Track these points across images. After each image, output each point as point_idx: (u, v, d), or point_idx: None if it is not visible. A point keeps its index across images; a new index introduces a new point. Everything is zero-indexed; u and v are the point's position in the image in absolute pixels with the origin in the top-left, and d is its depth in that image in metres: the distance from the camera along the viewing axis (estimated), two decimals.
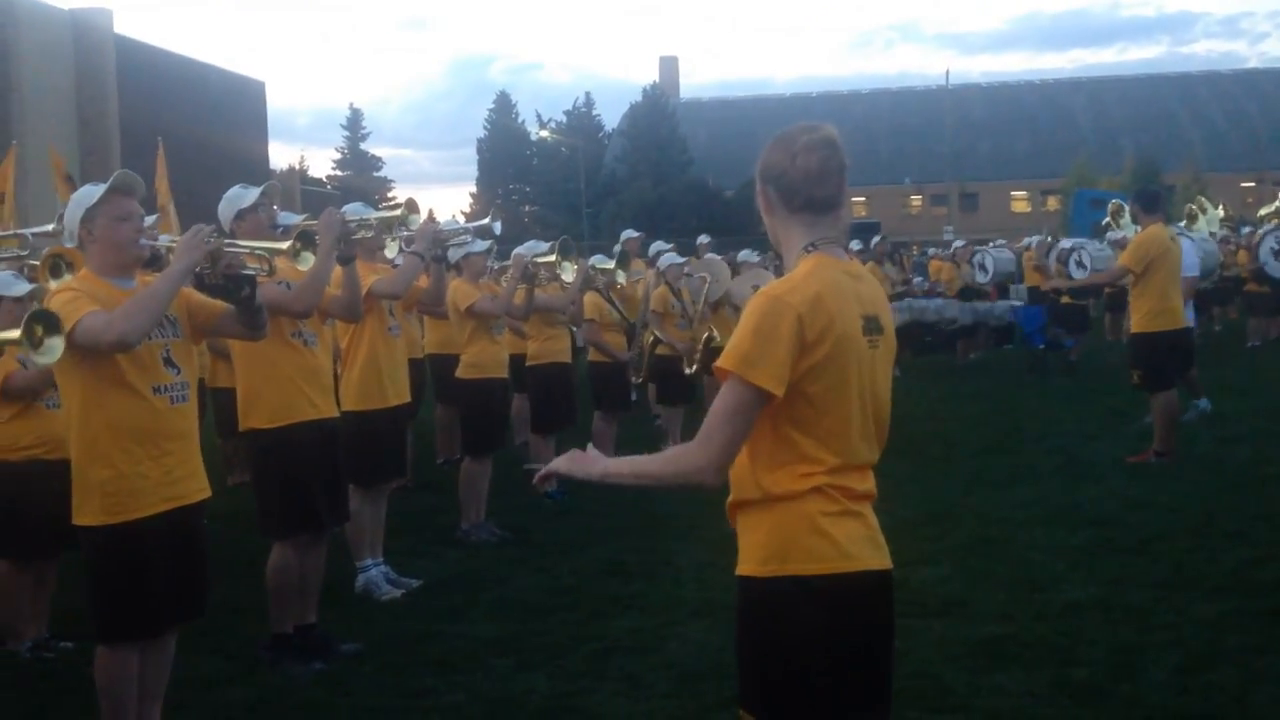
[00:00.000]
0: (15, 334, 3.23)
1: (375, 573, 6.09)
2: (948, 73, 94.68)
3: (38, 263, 5.68)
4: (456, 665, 4.96)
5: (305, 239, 4.38)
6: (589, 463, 2.54)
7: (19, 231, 4.68)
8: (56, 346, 3.29)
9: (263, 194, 4.92)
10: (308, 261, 4.39)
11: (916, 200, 64.08)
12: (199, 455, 4.00)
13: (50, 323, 3.29)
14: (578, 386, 9.06)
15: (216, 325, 4.12)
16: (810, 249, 2.50)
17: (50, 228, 4.57)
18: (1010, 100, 70.57)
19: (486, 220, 7.33)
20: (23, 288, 5.11)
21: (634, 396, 11.08)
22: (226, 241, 4.04)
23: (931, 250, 23.29)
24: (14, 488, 5.04)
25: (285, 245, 4.35)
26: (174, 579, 3.83)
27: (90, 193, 3.85)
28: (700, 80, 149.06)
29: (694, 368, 10.03)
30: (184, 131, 33.82)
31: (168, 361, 3.85)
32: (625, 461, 2.54)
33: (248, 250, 4.14)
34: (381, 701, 4.58)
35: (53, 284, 5.20)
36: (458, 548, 7.05)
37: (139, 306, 3.67)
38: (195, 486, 3.93)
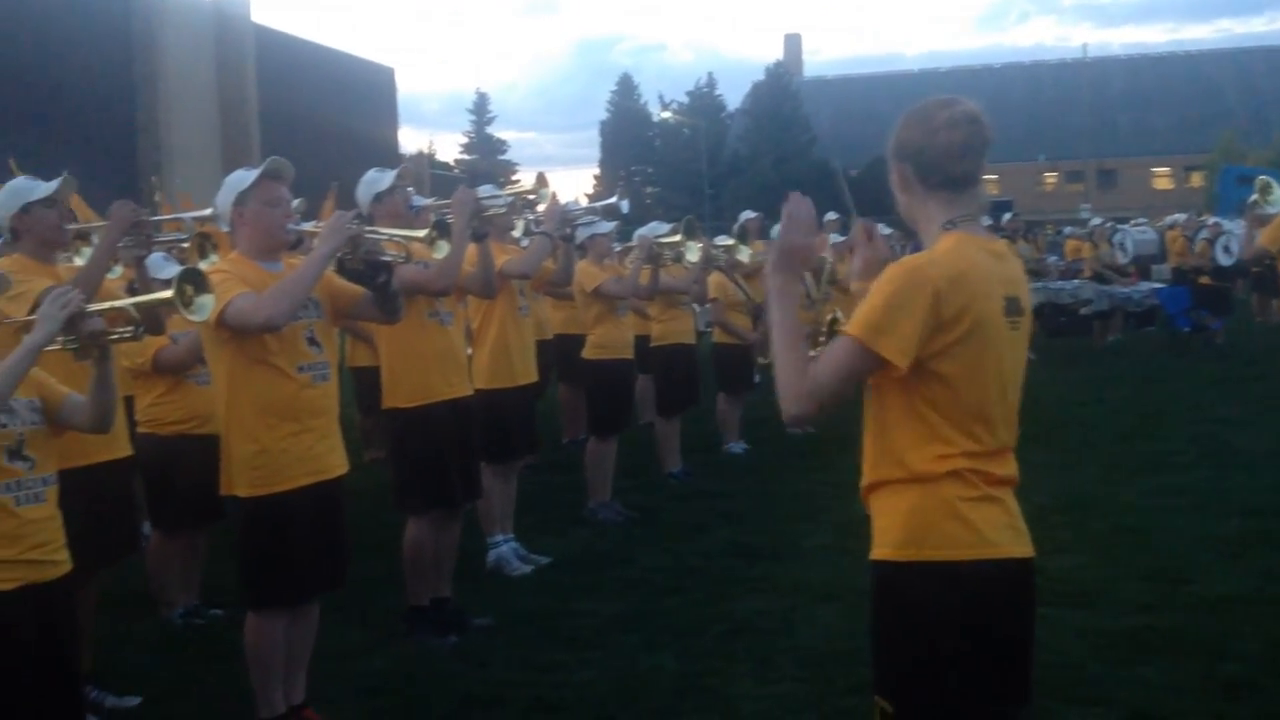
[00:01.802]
0: (168, 294, 3.36)
1: (506, 549, 6.20)
2: (1085, 45, 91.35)
3: (186, 246, 5.91)
4: (586, 642, 5.02)
5: (441, 228, 4.46)
6: (787, 273, 2.45)
7: (179, 215, 4.87)
8: (207, 304, 3.39)
9: (398, 176, 5.04)
10: (443, 250, 4.47)
11: (1051, 178, 62.06)
12: (339, 431, 4.12)
13: (199, 281, 3.40)
14: (701, 367, 9.05)
15: (355, 309, 4.22)
16: (950, 226, 2.43)
17: (207, 211, 4.75)
18: (1152, 73, 67.73)
19: (613, 199, 7.38)
20: (173, 269, 5.31)
21: (758, 378, 11.02)
22: (367, 229, 4.14)
23: (1067, 229, 22.52)
24: (164, 461, 5.26)
25: (422, 234, 4.43)
26: (317, 549, 3.96)
27: (243, 177, 3.98)
28: (827, 57, 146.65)
29: (818, 350, 9.90)
30: (317, 118, 34.88)
31: (311, 341, 3.97)
32: (790, 316, 2.43)
33: (386, 237, 4.23)
34: (514, 675, 4.66)
35: (201, 264, 5.40)
36: (584, 526, 7.13)
37: (285, 290, 3.79)
38: (336, 461, 4.05)
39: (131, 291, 4.62)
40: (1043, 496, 6.73)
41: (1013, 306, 2.43)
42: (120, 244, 4.47)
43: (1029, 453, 2.58)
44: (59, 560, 3.20)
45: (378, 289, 4.08)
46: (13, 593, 3.05)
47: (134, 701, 4.47)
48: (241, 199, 3.95)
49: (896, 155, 2.48)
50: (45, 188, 4.27)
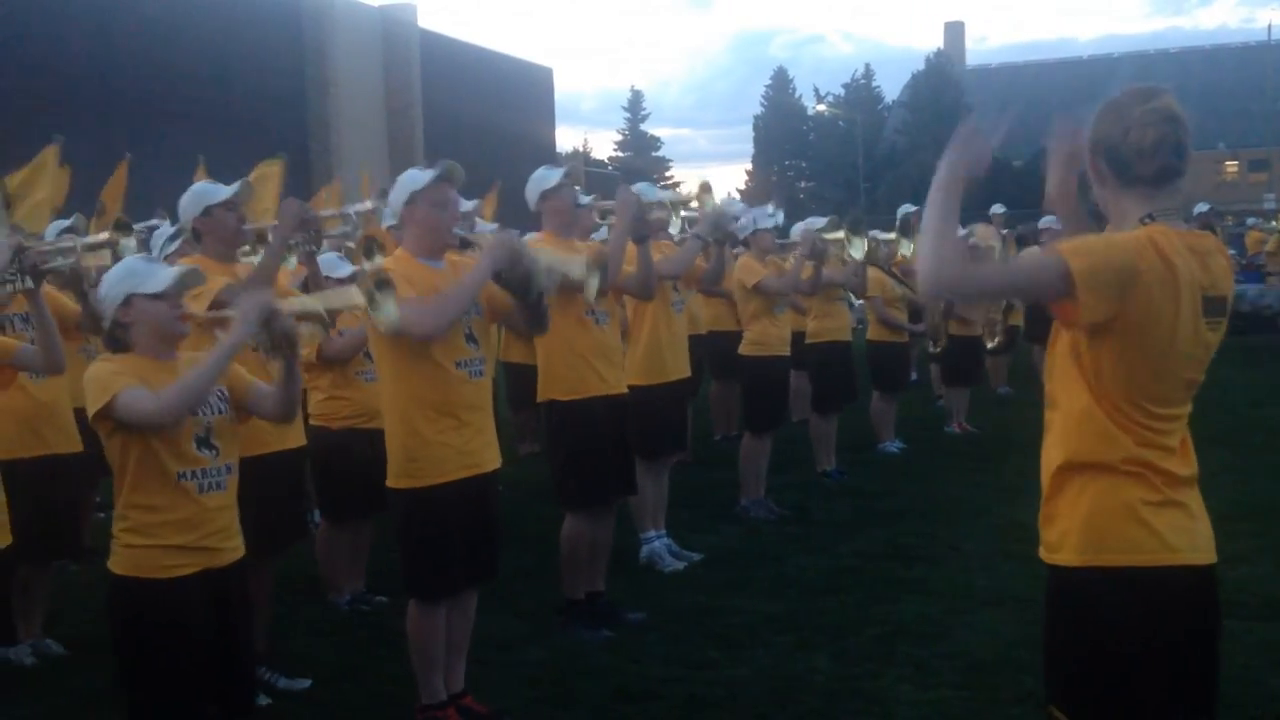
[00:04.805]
0: (361, 301, 3.51)
1: (659, 544, 6.23)
2: (1270, 26, 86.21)
3: (353, 245, 6.11)
4: (738, 640, 5.00)
5: (592, 267, 4.48)
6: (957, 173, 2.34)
7: (343, 210, 5.06)
8: (390, 309, 3.52)
9: (565, 175, 5.12)
10: (595, 280, 4.46)
11: (1232, 166, 58.80)
12: (493, 427, 4.21)
13: (382, 283, 3.54)
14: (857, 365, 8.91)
15: (506, 316, 4.28)
16: (1148, 220, 2.33)
17: (369, 205, 4.94)
18: None
19: (770, 208, 7.35)
20: (346, 269, 5.52)
21: (914, 376, 10.78)
22: (526, 252, 4.15)
23: (1250, 220, 21.25)
24: (333, 453, 5.47)
25: (580, 268, 4.40)
26: (471, 541, 4.05)
27: (417, 177, 4.08)
28: (995, 44, 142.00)
29: (996, 340, 9.60)
30: (479, 118, 35.74)
31: (469, 338, 4.05)
32: (952, 200, 2.32)
33: (545, 265, 4.22)
34: (667, 671, 4.67)
35: (367, 265, 5.57)
36: (736, 523, 7.11)
37: (446, 305, 3.90)
38: (490, 456, 4.13)
39: (304, 286, 4.82)
40: (1224, 503, 6.36)
41: (1213, 307, 2.33)
42: (291, 241, 4.64)
43: (1209, 456, 2.46)
44: (233, 546, 3.33)
45: (530, 305, 4.12)
46: (191, 578, 3.20)
47: (304, 684, 4.66)
48: (414, 198, 4.05)
49: (1092, 149, 2.41)
50: (225, 191, 4.49)
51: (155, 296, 3.25)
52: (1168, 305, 2.24)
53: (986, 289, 2.32)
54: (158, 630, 3.18)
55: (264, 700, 4.48)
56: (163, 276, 3.28)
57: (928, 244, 2.27)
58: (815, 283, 7.52)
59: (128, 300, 3.25)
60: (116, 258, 5.69)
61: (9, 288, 4.09)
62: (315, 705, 4.51)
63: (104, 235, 5.28)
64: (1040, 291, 2.30)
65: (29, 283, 4.05)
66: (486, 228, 7.20)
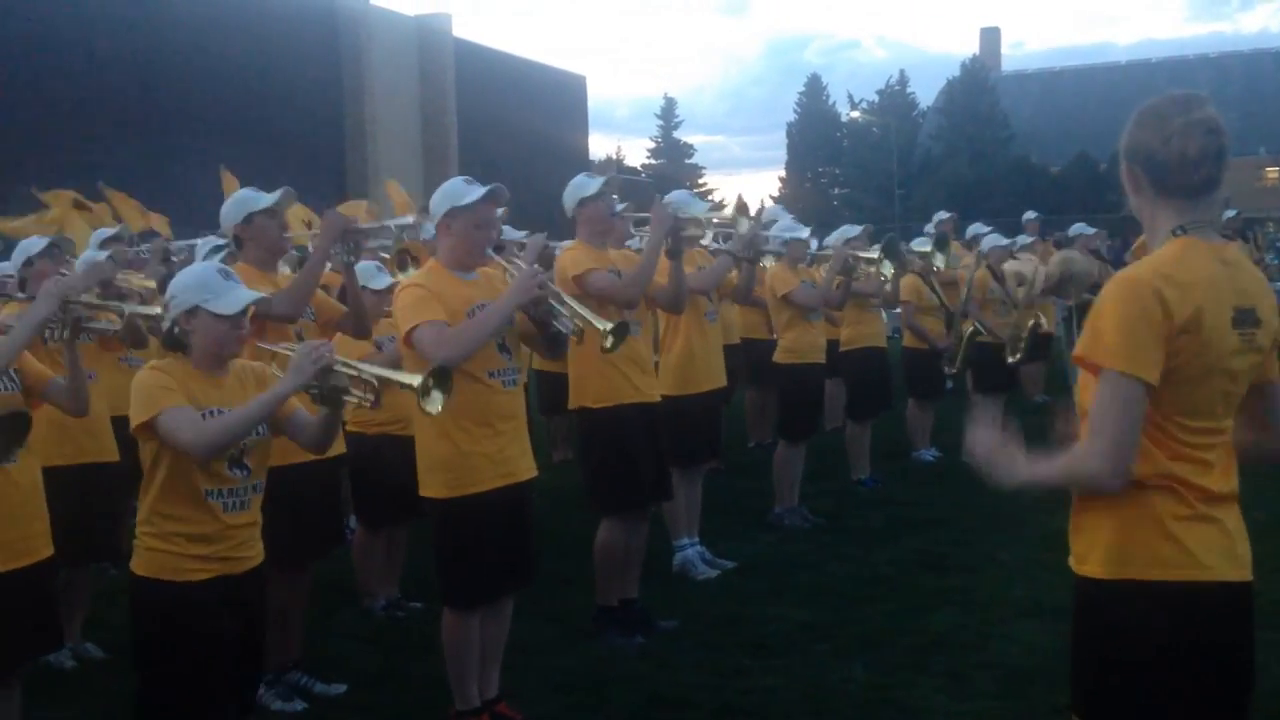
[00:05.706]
0: (413, 383, 3.42)
1: (692, 552, 6.22)
2: None
3: (388, 256, 6.13)
4: (772, 648, 4.98)
5: (620, 331, 4.41)
6: (1009, 466, 2.41)
7: (384, 223, 5.06)
8: (439, 400, 3.46)
9: (605, 184, 5.14)
10: (609, 340, 4.40)
11: (1272, 172, 58.02)
12: (527, 436, 4.22)
13: (442, 378, 3.47)
14: (891, 372, 8.85)
15: (526, 335, 4.30)
16: (1179, 232, 2.31)
17: (410, 220, 4.94)
18: None
19: (805, 235, 7.31)
20: (384, 280, 5.50)
21: (949, 384, 10.67)
22: (552, 292, 4.19)
23: None
24: (369, 459, 5.50)
25: (603, 324, 4.33)
26: (507, 549, 4.07)
27: (464, 192, 4.07)
28: (1033, 49, 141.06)
29: (1018, 356, 9.49)
30: (512, 126, 35.96)
31: (501, 347, 4.08)
32: (1034, 465, 2.37)
33: (567, 311, 4.23)
34: (700, 679, 4.66)
35: (401, 276, 5.55)
36: (770, 531, 7.09)
37: (467, 336, 3.91)
38: (525, 465, 4.15)
39: (341, 295, 4.84)
40: (1262, 511, 6.28)
41: (1245, 318, 2.29)
42: (332, 251, 4.65)
43: (1246, 469, 2.42)
44: (251, 555, 3.35)
45: (548, 336, 4.20)
46: (209, 581, 3.22)
47: (340, 689, 4.69)
48: (454, 212, 4.06)
49: (1128, 156, 2.38)
50: (267, 199, 4.51)
51: (221, 317, 3.25)
52: (1193, 324, 2.21)
53: (1123, 445, 2.21)
54: (176, 629, 3.22)
55: (300, 705, 4.52)
56: (234, 300, 3.27)
57: (1079, 475, 2.30)
58: (844, 297, 7.53)
59: (194, 310, 3.26)
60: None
61: (50, 333, 4.10)
62: (350, 710, 4.53)
63: (156, 309, 5.32)
64: (1143, 407, 2.23)
65: (66, 334, 4.03)
66: (515, 235, 7.26)
